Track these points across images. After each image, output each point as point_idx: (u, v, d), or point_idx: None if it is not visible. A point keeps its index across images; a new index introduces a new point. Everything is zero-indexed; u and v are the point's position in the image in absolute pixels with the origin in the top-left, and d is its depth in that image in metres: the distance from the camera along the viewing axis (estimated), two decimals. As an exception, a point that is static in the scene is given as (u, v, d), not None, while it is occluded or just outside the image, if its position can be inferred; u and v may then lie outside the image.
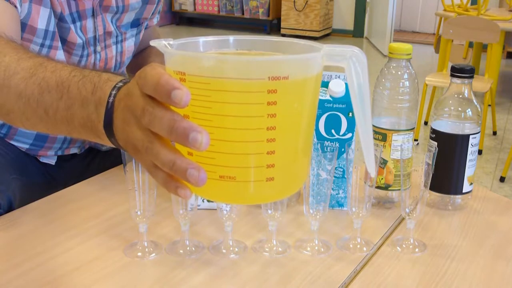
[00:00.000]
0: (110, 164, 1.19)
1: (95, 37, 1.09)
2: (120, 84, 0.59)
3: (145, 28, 1.25)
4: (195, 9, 7.14)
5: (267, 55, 0.56)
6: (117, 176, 1.11)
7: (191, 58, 0.50)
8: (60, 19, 1.02)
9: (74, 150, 1.23)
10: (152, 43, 0.54)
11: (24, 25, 0.97)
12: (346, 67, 0.52)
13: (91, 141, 1.22)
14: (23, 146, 1.15)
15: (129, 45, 1.20)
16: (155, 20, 1.28)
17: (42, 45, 1.01)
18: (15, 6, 0.92)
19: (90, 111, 0.61)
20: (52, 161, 1.21)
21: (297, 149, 0.52)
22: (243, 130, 0.48)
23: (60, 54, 1.03)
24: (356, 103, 0.53)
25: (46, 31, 0.99)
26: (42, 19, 0.98)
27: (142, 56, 1.35)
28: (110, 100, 0.58)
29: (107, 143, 0.61)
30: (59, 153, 1.21)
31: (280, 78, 0.47)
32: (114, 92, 0.58)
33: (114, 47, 1.15)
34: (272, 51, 0.56)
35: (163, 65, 0.53)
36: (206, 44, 0.57)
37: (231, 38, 0.58)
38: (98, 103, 0.60)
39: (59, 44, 1.02)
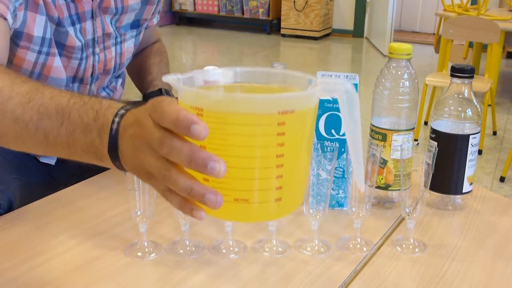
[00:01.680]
0: (110, 164, 1.19)
1: (93, 39, 1.09)
2: (122, 111, 0.63)
3: (145, 28, 1.25)
4: (195, 9, 7.14)
5: (272, 89, 0.61)
6: (117, 176, 1.11)
7: (209, 96, 0.55)
8: (58, 24, 1.02)
9: (74, 150, 1.23)
10: (165, 79, 0.57)
11: (20, 33, 0.97)
12: (339, 99, 0.58)
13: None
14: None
15: (129, 46, 1.20)
16: (155, 20, 1.28)
17: (39, 52, 1.00)
18: (5, 19, 0.91)
19: (93, 137, 0.64)
20: (52, 161, 1.21)
21: (300, 171, 0.58)
22: (256, 159, 0.53)
23: (57, 61, 1.03)
24: (348, 130, 0.59)
25: (43, 38, 0.99)
26: (38, 26, 0.98)
27: (142, 56, 1.35)
28: (114, 127, 0.62)
29: (109, 166, 0.65)
30: (59, 153, 1.20)
31: (288, 112, 0.53)
32: (117, 119, 0.62)
33: (113, 48, 1.15)
34: (273, 82, 0.61)
35: (173, 97, 0.56)
36: (212, 76, 0.61)
37: (237, 69, 0.62)
38: (101, 130, 0.63)
39: (56, 50, 1.02)
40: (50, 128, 0.68)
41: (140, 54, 1.34)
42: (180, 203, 0.56)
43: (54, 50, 1.01)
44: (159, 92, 1.24)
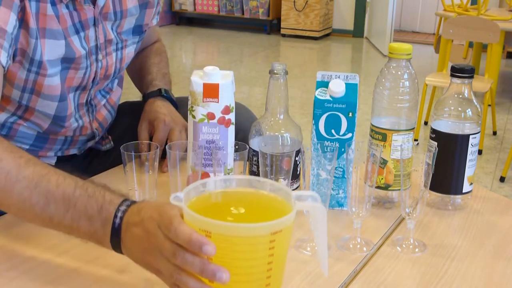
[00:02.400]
0: (110, 164, 1.19)
1: (96, 45, 1.09)
2: (124, 207, 0.75)
3: (145, 29, 1.25)
4: (195, 9, 7.13)
5: (261, 198, 0.75)
6: (117, 176, 1.11)
7: (217, 224, 0.66)
8: (64, 37, 1.02)
9: (74, 151, 1.23)
10: (173, 202, 0.69)
11: (15, 49, 0.97)
12: (311, 213, 0.73)
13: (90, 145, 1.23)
14: (23, 147, 1.15)
15: (129, 52, 1.20)
16: (154, 21, 1.28)
17: (29, 70, 1.00)
18: None
19: (96, 227, 0.76)
20: (52, 162, 1.21)
21: (283, 266, 0.72)
22: (252, 267, 0.68)
23: (48, 81, 1.03)
24: (316, 233, 0.75)
25: (32, 59, 0.99)
26: (30, 45, 0.98)
27: (141, 55, 1.35)
28: (117, 221, 0.74)
29: (108, 249, 0.76)
30: (59, 153, 1.21)
31: (277, 231, 0.67)
32: (119, 214, 0.74)
33: (114, 54, 1.15)
34: (260, 188, 0.76)
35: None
36: (207, 185, 0.74)
37: (234, 179, 0.77)
38: (105, 222, 0.75)
39: (47, 72, 1.01)
40: (56, 213, 0.78)
41: (140, 54, 1.34)
42: None
43: (45, 71, 1.01)
44: (159, 92, 1.24)
